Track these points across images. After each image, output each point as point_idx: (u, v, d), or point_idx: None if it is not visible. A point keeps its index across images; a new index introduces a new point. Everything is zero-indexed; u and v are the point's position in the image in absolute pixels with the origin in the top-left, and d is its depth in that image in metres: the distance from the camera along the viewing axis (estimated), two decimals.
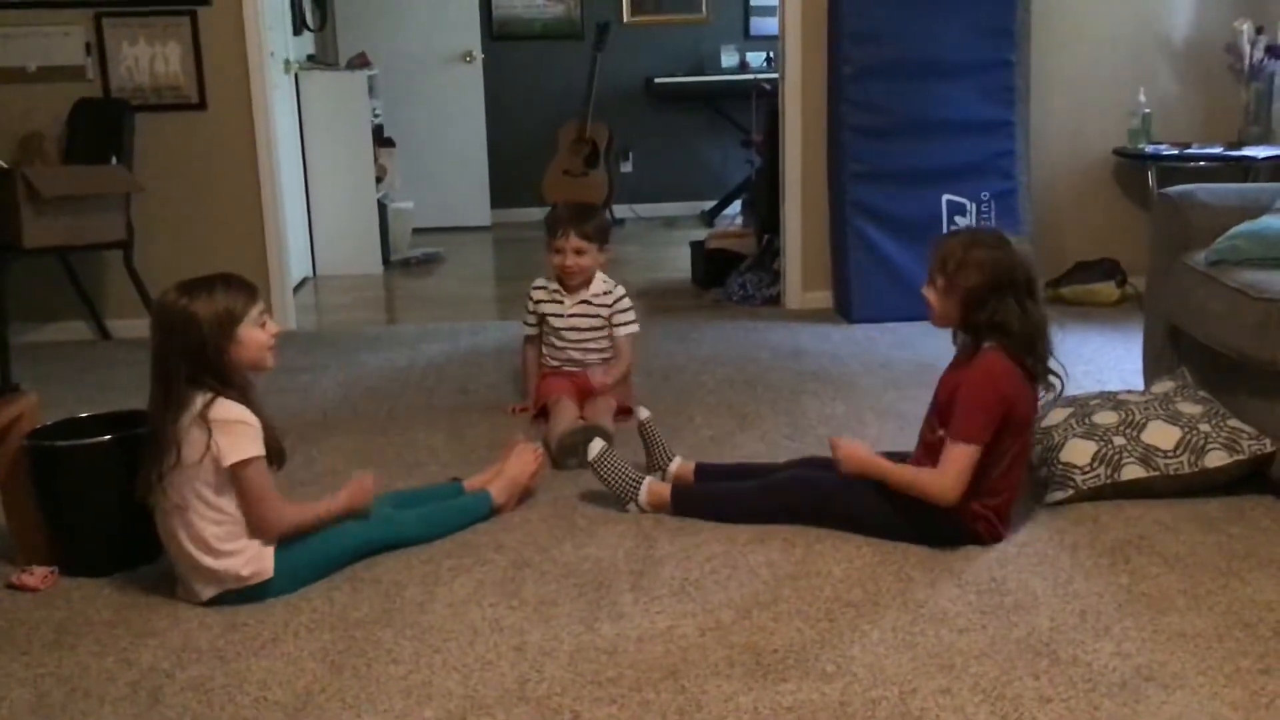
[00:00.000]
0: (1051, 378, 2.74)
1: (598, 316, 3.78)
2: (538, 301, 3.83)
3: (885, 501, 2.75)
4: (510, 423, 3.76)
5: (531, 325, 3.87)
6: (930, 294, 2.74)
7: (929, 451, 2.75)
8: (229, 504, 2.52)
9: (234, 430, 2.48)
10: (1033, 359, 2.68)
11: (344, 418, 3.92)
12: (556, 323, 3.80)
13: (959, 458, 2.63)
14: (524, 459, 3.07)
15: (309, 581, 2.62)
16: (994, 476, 2.68)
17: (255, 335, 2.55)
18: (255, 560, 2.54)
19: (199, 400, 2.48)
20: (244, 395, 2.54)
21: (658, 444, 3.15)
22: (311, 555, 2.63)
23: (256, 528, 2.54)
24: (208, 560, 2.51)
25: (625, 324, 3.78)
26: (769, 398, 3.98)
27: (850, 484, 2.81)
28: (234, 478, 2.50)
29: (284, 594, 2.57)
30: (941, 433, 2.70)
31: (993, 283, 2.64)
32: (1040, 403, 2.78)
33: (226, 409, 2.48)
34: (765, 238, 5.71)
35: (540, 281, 3.87)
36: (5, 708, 2.18)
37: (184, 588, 2.58)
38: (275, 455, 2.59)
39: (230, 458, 2.47)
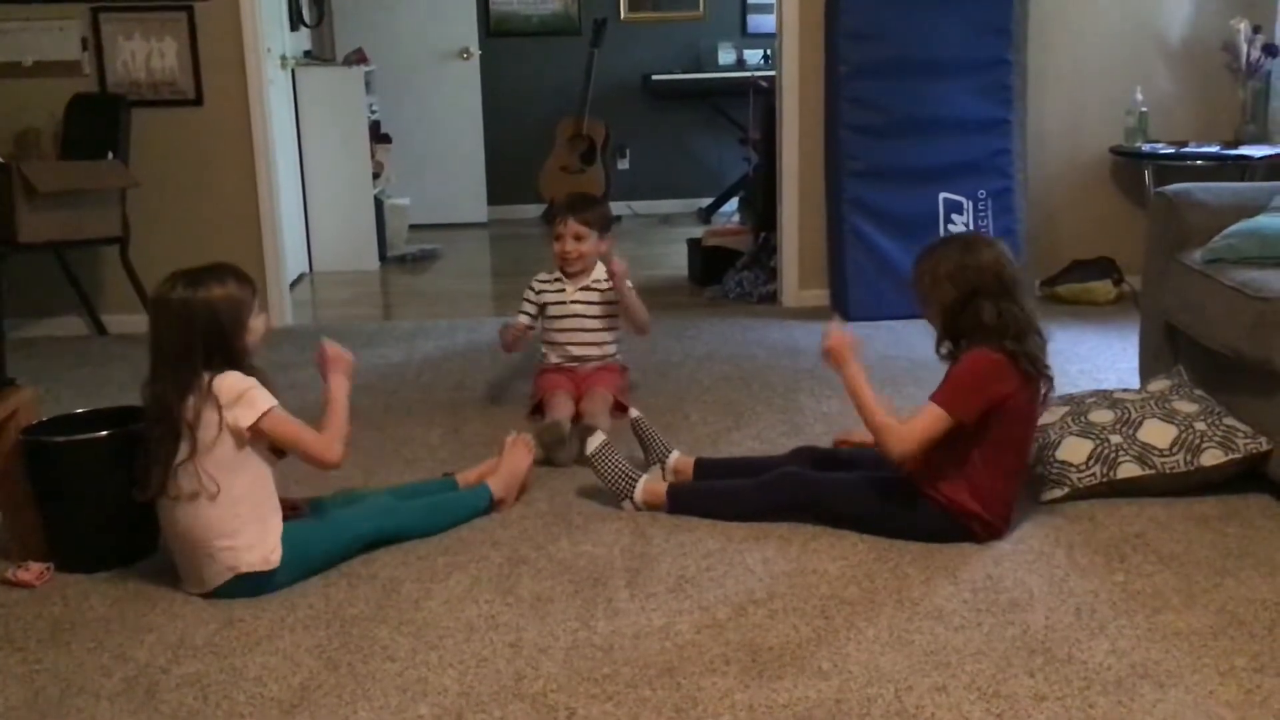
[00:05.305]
0: (1046, 372, 2.75)
1: (600, 301, 3.82)
2: (539, 291, 3.88)
3: (880, 498, 2.76)
4: (507, 418, 3.76)
5: (528, 315, 3.88)
6: (923, 310, 2.84)
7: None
8: (240, 487, 2.53)
9: (243, 395, 2.52)
10: (1022, 354, 2.68)
11: None
12: (557, 310, 3.84)
13: (927, 419, 2.66)
14: (518, 452, 3.09)
15: (315, 571, 2.63)
16: (988, 469, 2.68)
17: (257, 324, 2.62)
18: (266, 543, 2.55)
19: (203, 381, 2.51)
20: (253, 376, 2.57)
21: (653, 439, 3.16)
22: (317, 546, 2.65)
23: (318, 460, 2.63)
24: (223, 542, 2.51)
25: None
26: (765, 395, 3.99)
27: (846, 481, 2.84)
28: (262, 435, 2.54)
29: (290, 583, 2.58)
30: None
31: (964, 294, 2.69)
32: (1039, 401, 2.78)
33: (226, 380, 2.52)
34: (762, 235, 5.71)
35: (543, 275, 3.92)
36: (0, 704, 2.18)
37: (190, 579, 2.58)
38: None
39: (250, 418, 2.51)
